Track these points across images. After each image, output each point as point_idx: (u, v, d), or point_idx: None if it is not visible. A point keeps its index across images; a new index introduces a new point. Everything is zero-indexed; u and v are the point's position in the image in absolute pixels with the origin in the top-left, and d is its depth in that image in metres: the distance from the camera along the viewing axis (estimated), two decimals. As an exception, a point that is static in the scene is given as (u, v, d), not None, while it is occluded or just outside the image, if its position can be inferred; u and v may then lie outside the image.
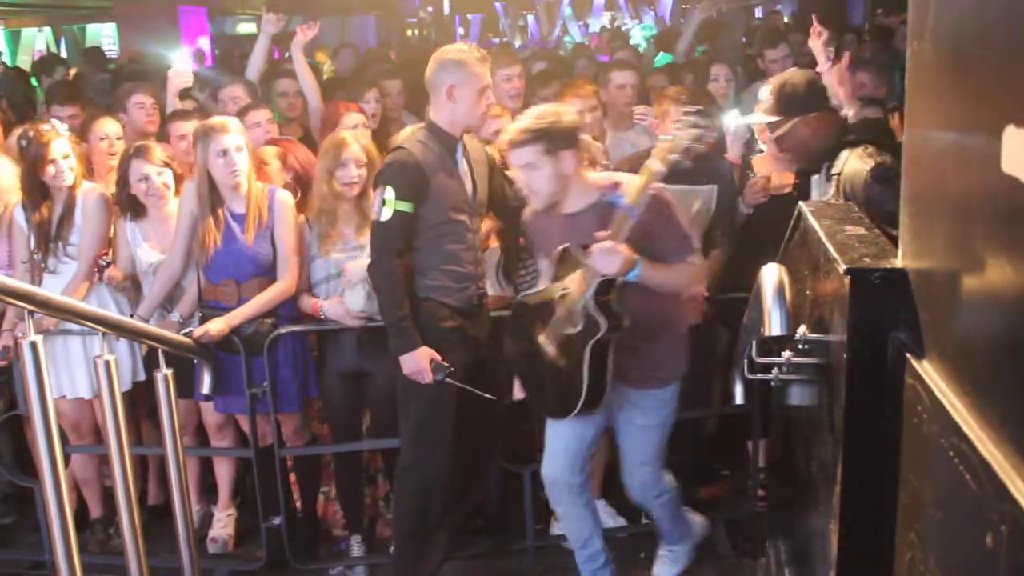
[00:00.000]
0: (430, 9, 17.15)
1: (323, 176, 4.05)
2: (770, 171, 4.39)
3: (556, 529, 4.38)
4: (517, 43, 17.54)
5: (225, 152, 3.98)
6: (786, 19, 15.39)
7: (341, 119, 4.71)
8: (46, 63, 9.28)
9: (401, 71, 6.35)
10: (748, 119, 4.05)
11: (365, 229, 3.97)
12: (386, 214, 3.60)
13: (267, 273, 4.07)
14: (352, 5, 16.03)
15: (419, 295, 3.71)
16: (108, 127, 4.80)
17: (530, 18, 20.55)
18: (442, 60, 3.70)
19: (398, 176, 3.62)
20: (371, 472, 4.52)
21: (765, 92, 3.71)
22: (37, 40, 15.47)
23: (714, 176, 4.21)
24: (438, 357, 3.63)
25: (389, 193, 3.60)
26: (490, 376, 3.86)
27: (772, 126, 3.69)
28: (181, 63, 5.33)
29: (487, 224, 4.13)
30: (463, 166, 3.77)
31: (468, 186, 3.77)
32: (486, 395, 3.69)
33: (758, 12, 17.24)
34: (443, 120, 3.71)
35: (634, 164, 4.03)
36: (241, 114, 4.74)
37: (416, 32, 15.83)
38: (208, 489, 4.67)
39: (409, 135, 3.78)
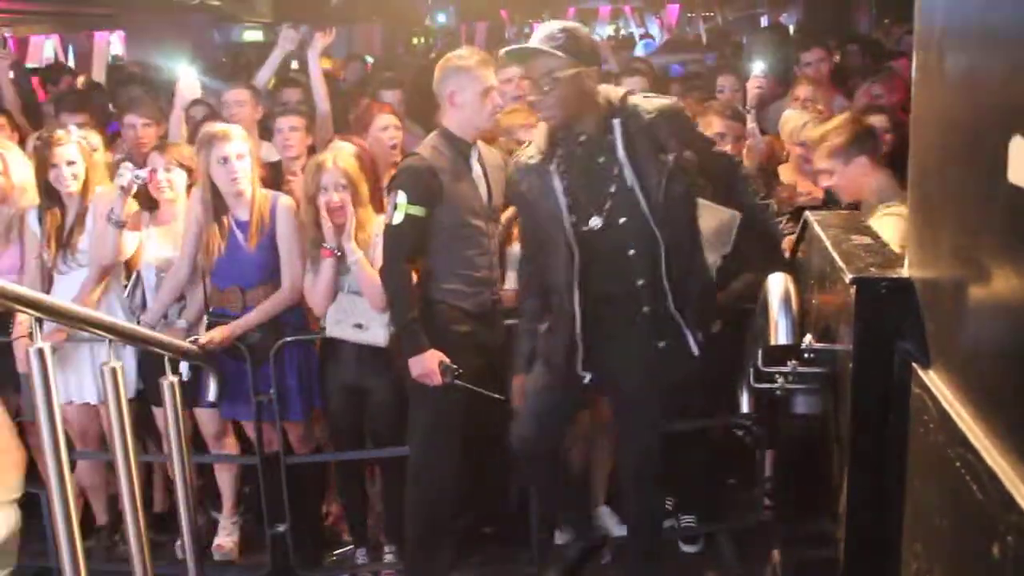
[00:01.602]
0: (442, 18, 17.22)
1: (305, 199, 4.03)
2: (795, 180, 4.39)
3: (560, 539, 4.38)
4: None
5: (225, 159, 4.00)
6: (791, 28, 15.42)
7: (373, 119, 4.72)
8: (53, 72, 9.27)
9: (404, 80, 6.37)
10: None
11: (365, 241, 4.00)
12: (397, 218, 3.63)
13: (273, 280, 4.08)
14: (358, 14, 16.07)
15: (433, 299, 3.74)
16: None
17: (535, 26, 20.58)
18: (444, 68, 3.75)
19: (410, 180, 3.66)
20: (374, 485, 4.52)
21: None
22: (45, 47, 15.51)
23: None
24: (447, 360, 3.63)
25: (401, 197, 3.63)
26: (501, 381, 3.87)
27: None
28: (188, 77, 5.31)
29: (507, 218, 4.12)
30: (477, 171, 3.79)
31: (483, 191, 3.80)
32: (495, 395, 3.70)
33: (764, 21, 17.27)
34: (453, 126, 3.75)
35: None
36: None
37: (422, 40, 15.87)
38: (212, 497, 4.67)
39: (424, 142, 3.82)
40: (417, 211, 3.63)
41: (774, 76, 6.37)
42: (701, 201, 4.15)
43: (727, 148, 4.20)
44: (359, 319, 3.96)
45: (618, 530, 4.41)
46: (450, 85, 3.70)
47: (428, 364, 3.63)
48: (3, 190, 4.45)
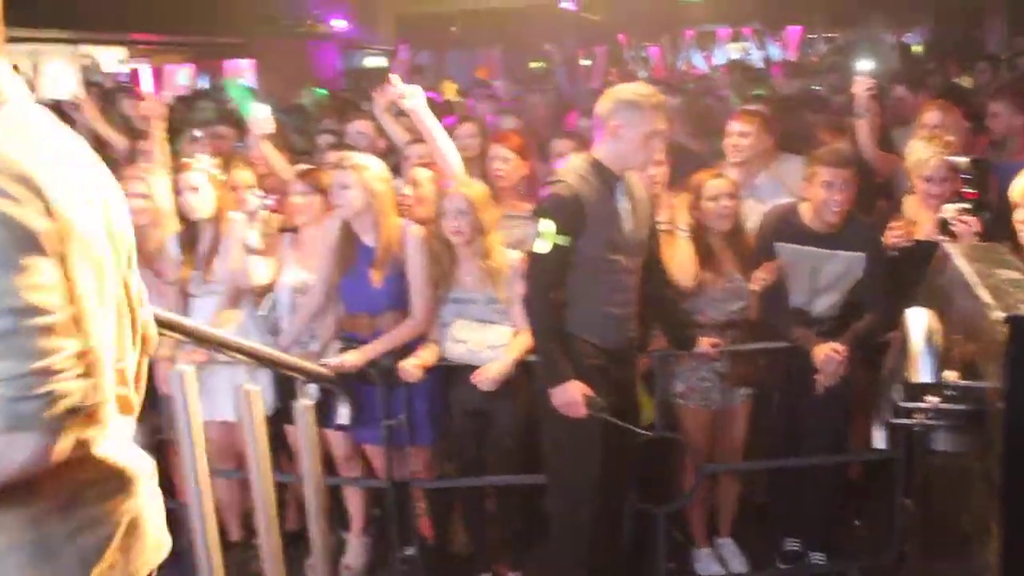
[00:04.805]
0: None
1: (434, 222, 4.10)
2: (916, 214, 4.25)
3: (701, 568, 4.33)
4: (641, 74, 17.41)
5: (338, 187, 4.13)
6: (919, 48, 15.06)
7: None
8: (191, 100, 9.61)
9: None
10: None
11: (486, 281, 4.05)
12: (543, 247, 3.56)
13: (402, 307, 4.16)
14: (478, 39, 16.30)
15: (567, 331, 3.65)
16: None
17: (653, 49, 20.47)
18: (615, 98, 3.64)
19: (557, 208, 3.58)
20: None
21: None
22: (179, 76, 16.15)
23: (860, 241, 4.11)
24: (590, 392, 3.55)
25: (548, 226, 3.55)
26: (632, 420, 3.76)
27: None
28: (260, 111, 5.41)
29: None
30: (624, 203, 3.68)
31: (627, 224, 3.69)
32: (642, 431, 3.60)
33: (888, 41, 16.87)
34: (606, 156, 3.66)
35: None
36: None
37: (542, 64, 15.92)
38: (339, 516, 4.75)
39: (570, 168, 3.73)
40: (563, 240, 3.53)
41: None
42: (813, 249, 4.09)
43: (835, 197, 4.03)
44: (483, 342, 4.01)
45: (739, 565, 4.36)
46: (618, 117, 3.59)
47: (572, 394, 3.54)
48: (151, 213, 4.63)
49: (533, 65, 15.26)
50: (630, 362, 3.86)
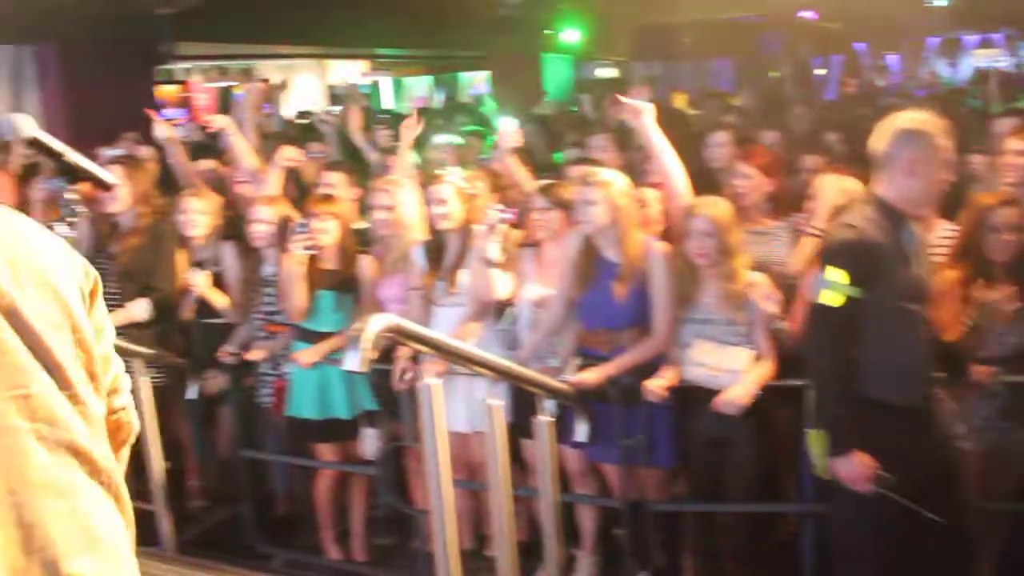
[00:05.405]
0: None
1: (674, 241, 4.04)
2: None
3: None
4: (879, 83, 16.75)
5: (583, 203, 4.13)
6: None
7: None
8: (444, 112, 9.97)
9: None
10: None
11: (727, 303, 3.96)
12: (834, 299, 3.24)
13: (643, 323, 4.11)
14: (710, 50, 16.16)
15: (859, 392, 3.30)
16: None
17: (892, 58, 19.65)
18: (900, 130, 3.30)
19: (849, 257, 3.26)
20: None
21: None
22: (417, 86, 16.85)
23: None
24: (877, 466, 3.22)
25: (840, 276, 3.23)
26: (943, 490, 3.37)
27: None
28: (508, 124, 5.44)
29: None
30: (912, 247, 3.35)
31: (917, 270, 3.37)
32: (933, 516, 3.17)
33: None
34: (896, 196, 3.32)
35: None
36: None
37: (775, 74, 15.59)
38: (570, 533, 4.75)
39: (855, 211, 3.41)
40: (855, 292, 3.21)
41: None
42: None
43: None
44: (722, 365, 3.91)
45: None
46: (907, 152, 3.26)
47: (857, 467, 3.24)
48: (392, 224, 4.80)
49: (772, 75, 14.92)
50: (934, 421, 3.48)
